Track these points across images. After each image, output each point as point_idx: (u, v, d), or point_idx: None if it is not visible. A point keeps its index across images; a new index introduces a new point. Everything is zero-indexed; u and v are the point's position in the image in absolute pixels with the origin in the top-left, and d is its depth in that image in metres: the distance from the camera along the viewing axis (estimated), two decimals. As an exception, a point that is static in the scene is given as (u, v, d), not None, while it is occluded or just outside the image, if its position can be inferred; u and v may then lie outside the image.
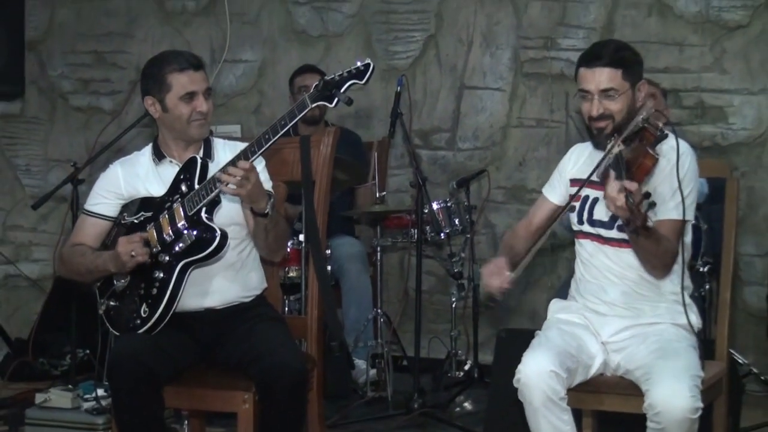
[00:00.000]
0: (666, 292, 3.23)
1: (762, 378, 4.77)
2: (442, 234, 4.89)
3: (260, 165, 3.46)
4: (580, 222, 3.34)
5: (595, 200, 3.28)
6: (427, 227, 4.85)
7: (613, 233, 3.24)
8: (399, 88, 4.79)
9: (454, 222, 4.91)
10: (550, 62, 5.62)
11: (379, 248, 5.02)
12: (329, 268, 4.77)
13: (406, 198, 5.72)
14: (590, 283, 3.31)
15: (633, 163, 2.97)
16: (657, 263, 3.12)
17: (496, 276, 3.15)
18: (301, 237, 4.12)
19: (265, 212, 3.23)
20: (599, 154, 3.25)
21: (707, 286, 4.28)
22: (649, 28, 5.43)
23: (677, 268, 3.21)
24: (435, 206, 4.86)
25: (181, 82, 3.38)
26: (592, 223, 3.30)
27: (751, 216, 5.23)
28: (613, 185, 2.86)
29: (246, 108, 6.26)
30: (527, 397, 3.02)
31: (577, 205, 3.33)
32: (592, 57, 3.22)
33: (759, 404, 4.58)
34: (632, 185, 2.83)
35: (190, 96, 3.38)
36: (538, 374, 2.98)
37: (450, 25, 5.82)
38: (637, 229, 2.88)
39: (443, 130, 5.85)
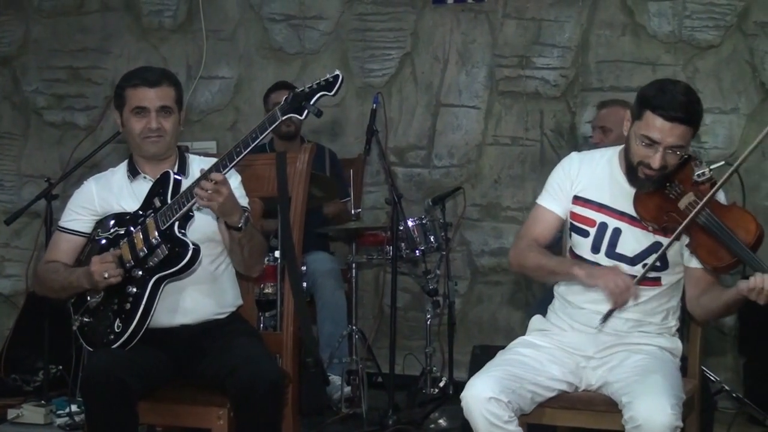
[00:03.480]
0: (659, 326, 3.27)
1: (734, 395, 4.79)
2: (417, 251, 4.90)
3: (236, 181, 3.46)
4: (595, 251, 3.24)
5: (618, 231, 3.21)
6: (403, 244, 4.86)
7: (636, 270, 3.16)
8: (375, 105, 4.82)
9: (430, 239, 4.92)
10: (525, 81, 5.66)
11: (354, 265, 5.02)
12: (304, 284, 4.77)
13: (382, 215, 5.73)
14: (582, 310, 3.26)
15: (744, 231, 2.95)
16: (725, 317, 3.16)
17: (625, 292, 3.05)
18: (277, 253, 4.11)
19: (239, 226, 3.23)
20: (612, 178, 3.23)
21: (680, 304, 4.30)
22: (622, 47, 5.48)
23: (674, 303, 3.29)
24: (410, 223, 4.87)
25: (133, 97, 3.40)
26: (612, 255, 3.21)
27: (723, 234, 5.27)
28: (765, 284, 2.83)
29: (222, 124, 6.26)
30: (472, 422, 3.03)
31: (593, 230, 3.25)
32: (669, 106, 3.00)
33: (731, 421, 4.60)
34: None
35: (140, 111, 3.39)
36: (478, 401, 2.98)
37: (426, 43, 5.85)
38: None
39: (419, 148, 5.87)
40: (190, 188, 3.22)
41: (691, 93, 3.08)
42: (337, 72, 3.19)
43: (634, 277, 3.10)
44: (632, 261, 3.19)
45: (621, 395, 2.98)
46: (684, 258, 3.21)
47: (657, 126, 3.01)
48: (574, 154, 3.40)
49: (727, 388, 4.79)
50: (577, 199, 3.29)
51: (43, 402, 4.72)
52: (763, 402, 4.70)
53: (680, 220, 3.02)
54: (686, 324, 3.57)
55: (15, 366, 5.25)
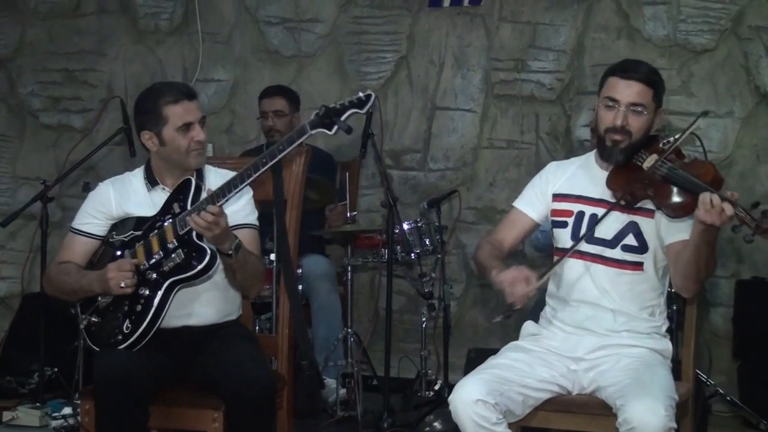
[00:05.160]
0: (647, 324, 3.28)
1: (728, 398, 4.80)
2: (412, 254, 4.89)
3: (247, 197, 3.49)
4: (575, 239, 3.29)
5: (595, 217, 3.26)
6: (398, 247, 4.85)
7: (616, 253, 3.24)
8: (370, 108, 4.80)
9: (425, 242, 4.91)
10: (520, 84, 5.67)
11: (349, 268, 5.02)
12: (299, 287, 4.77)
13: (377, 218, 5.74)
14: (571, 307, 3.29)
15: (701, 174, 3.02)
16: (704, 274, 3.15)
17: (520, 283, 3.09)
18: (272, 256, 4.12)
19: (228, 253, 3.24)
20: (586, 172, 3.34)
21: (674, 307, 4.31)
22: (618, 51, 5.49)
23: (661, 300, 3.31)
24: (406, 226, 4.87)
25: (176, 113, 3.38)
26: (592, 241, 3.26)
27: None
28: (711, 197, 2.89)
29: (218, 127, 6.26)
30: (460, 425, 3.05)
31: (570, 221, 3.32)
32: (628, 69, 3.23)
33: (725, 425, 4.62)
34: (735, 195, 2.90)
35: (186, 127, 3.38)
36: (465, 403, 3.00)
37: (422, 47, 5.86)
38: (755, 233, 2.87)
39: (414, 151, 5.88)
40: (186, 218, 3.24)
41: (653, 68, 3.29)
42: (370, 92, 3.26)
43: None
44: (611, 243, 3.24)
45: (615, 398, 3.00)
46: (661, 236, 3.24)
47: (617, 86, 3.21)
48: (552, 163, 3.54)
49: (721, 391, 4.80)
50: (556, 196, 3.39)
51: (38, 404, 4.72)
52: (757, 405, 4.71)
53: (646, 180, 3.14)
54: (680, 328, 3.58)
55: (10, 368, 5.24)
